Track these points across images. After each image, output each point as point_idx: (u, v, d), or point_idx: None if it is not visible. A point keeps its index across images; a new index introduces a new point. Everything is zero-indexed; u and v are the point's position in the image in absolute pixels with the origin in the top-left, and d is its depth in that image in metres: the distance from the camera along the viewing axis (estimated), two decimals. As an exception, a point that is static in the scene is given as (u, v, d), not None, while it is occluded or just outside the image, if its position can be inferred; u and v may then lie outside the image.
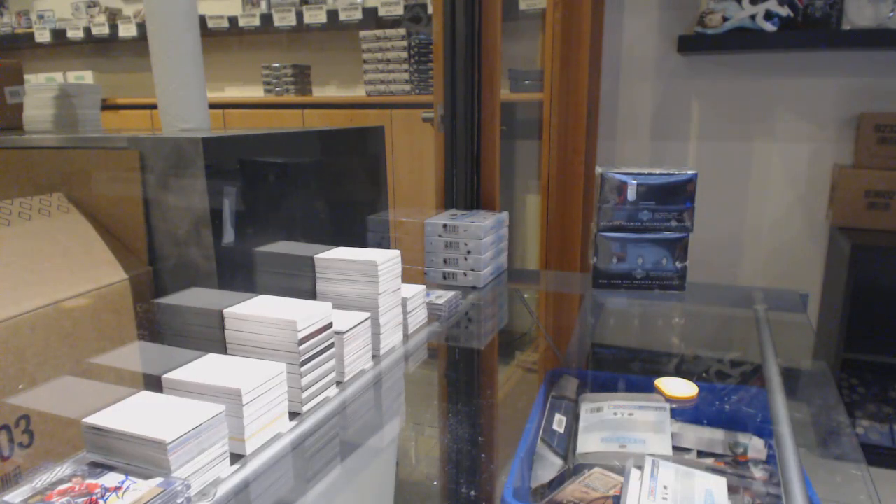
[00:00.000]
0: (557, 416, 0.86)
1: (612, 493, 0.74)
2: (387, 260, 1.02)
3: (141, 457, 0.64)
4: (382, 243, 1.50)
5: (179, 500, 0.61)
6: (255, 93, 3.58)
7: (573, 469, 0.81)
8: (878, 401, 2.11)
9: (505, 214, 1.56)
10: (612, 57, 2.43)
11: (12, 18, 4.02)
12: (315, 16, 3.19)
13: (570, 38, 2.14)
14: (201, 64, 1.45)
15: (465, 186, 1.64)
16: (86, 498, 0.60)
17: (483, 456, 0.83)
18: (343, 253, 1.04)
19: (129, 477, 0.63)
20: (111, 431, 0.65)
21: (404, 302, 1.09)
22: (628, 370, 1.16)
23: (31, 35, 3.85)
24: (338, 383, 0.92)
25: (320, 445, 0.82)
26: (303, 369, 0.82)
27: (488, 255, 1.43)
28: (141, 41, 3.61)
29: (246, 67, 3.64)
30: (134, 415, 0.67)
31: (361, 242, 1.49)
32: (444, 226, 1.41)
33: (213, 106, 1.55)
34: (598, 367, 1.24)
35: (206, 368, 0.77)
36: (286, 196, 1.25)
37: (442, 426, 0.94)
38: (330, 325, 0.87)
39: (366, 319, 0.96)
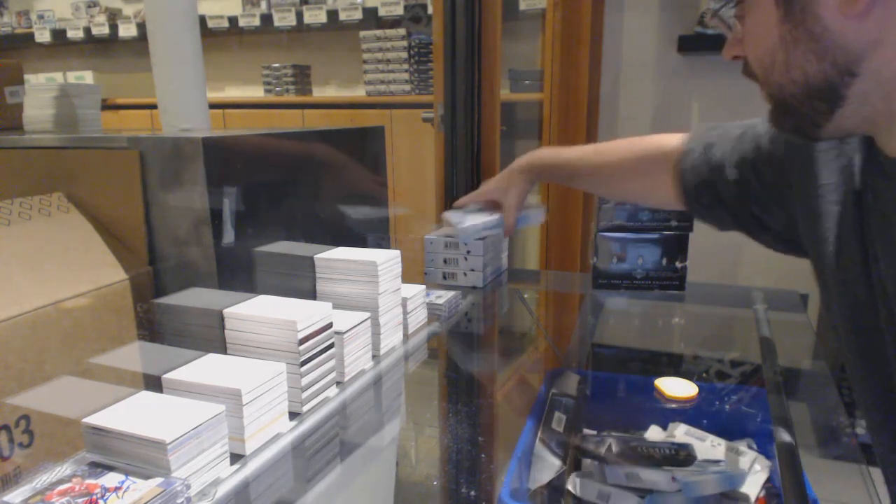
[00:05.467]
0: (557, 415, 0.86)
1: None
2: (387, 260, 1.02)
3: (141, 457, 0.64)
4: (382, 243, 1.50)
5: (179, 500, 0.61)
6: (255, 93, 3.58)
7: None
8: (878, 401, 2.10)
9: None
10: (612, 57, 2.43)
11: (12, 18, 4.02)
12: (315, 16, 3.19)
13: (570, 38, 2.14)
14: (201, 64, 1.45)
15: (466, 192, 1.64)
16: (86, 498, 0.60)
17: (483, 456, 0.83)
18: (343, 253, 1.04)
19: (129, 477, 0.63)
20: (111, 431, 0.65)
21: (404, 302, 1.09)
22: (628, 370, 1.16)
23: (31, 35, 3.85)
24: (338, 383, 0.92)
25: (320, 445, 0.82)
26: (303, 369, 0.83)
27: (488, 255, 1.43)
28: (141, 41, 3.61)
29: (246, 67, 3.64)
30: (134, 415, 0.67)
31: (361, 242, 1.49)
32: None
33: (213, 106, 1.55)
34: (598, 367, 1.24)
35: (206, 368, 0.77)
36: (286, 196, 1.26)
37: (442, 426, 0.94)
38: (330, 325, 0.87)
39: (366, 319, 0.96)
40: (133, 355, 1.05)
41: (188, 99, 1.43)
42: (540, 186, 2.39)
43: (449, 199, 1.66)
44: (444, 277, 1.42)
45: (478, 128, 1.63)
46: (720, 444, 0.94)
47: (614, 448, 0.79)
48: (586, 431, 0.92)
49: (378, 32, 3.01)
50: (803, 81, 0.57)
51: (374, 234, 1.51)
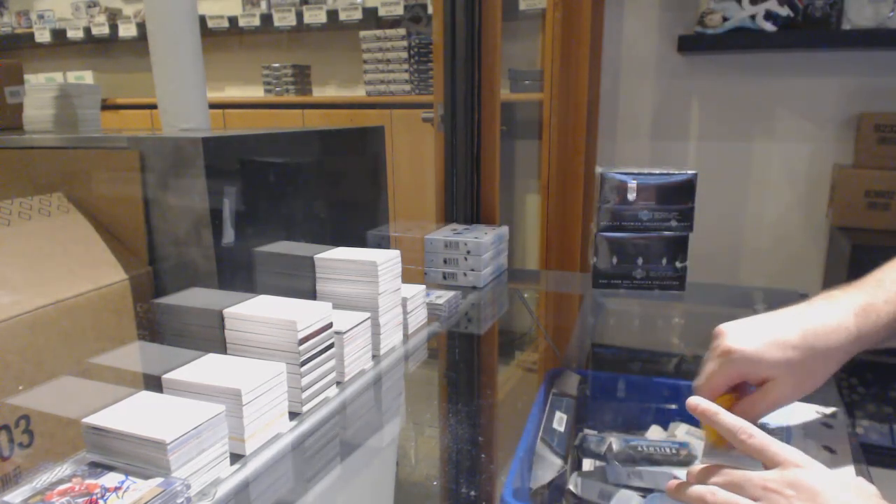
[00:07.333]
0: (558, 415, 0.86)
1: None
2: (387, 260, 1.02)
3: (141, 457, 0.64)
4: (382, 243, 1.50)
5: (179, 500, 0.61)
6: (255, 93, 3.58)
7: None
8: (878, 401, 2.11)
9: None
10: (612, 57, 2.43)
11: (12, 18, 4.02)
12: (315, 16, 3.19)
13: (570, 38, 2.14)
14: (201, 64, 1.45)
15: (465, 192, 1.64)
16: (86, 498, 0.60)
17: (483, 456, 0.83)
18: (343, 253, 1.04)
19: (129, 477, 0.63)
20: (111, 431, 0.65)
21: (404, 302, 1.09)
22: (628, 370, 1.16)
23: (31, 35, 3.85)
24: (338, 383, 0.92)
25: (320, 445, 0.82)
26: (303, 369, 0.83)
27: (488, 255, 1.43)
28: (141, 41, 3.61)
29: (246, 67, 3.64)
30: (134, 415, 0.67)
31: (361, 242, 1.49)
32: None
33: (213, 106, 1.55)
34: (598, 367, 1.24)
35: (206, 368, 0.77)
36: (286, 196, 1.26)
37: (442, 426, 0.94)
38: (330, 325, 0.87)
39: (366, 319, 0.96)
40: (133, 355, 1.05)
41: (188, 99, 1.43)
42: (540, 184, 2.39)
43: (449, 198, 1.66)
44: (444, 277, 1.42)
45: (478, 128, 1.63)
46: None
47: (615, 448, 0.79)
48: (587, 431, 0.92)
49: (378, 32, 3.01)
50: None
51: (374, 234, 1.51)
